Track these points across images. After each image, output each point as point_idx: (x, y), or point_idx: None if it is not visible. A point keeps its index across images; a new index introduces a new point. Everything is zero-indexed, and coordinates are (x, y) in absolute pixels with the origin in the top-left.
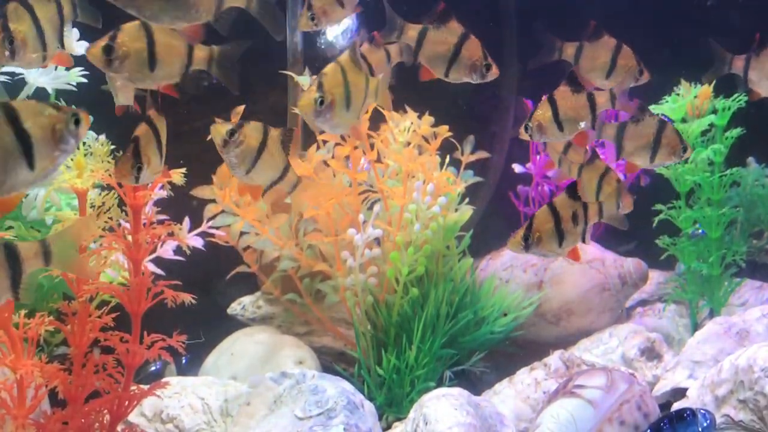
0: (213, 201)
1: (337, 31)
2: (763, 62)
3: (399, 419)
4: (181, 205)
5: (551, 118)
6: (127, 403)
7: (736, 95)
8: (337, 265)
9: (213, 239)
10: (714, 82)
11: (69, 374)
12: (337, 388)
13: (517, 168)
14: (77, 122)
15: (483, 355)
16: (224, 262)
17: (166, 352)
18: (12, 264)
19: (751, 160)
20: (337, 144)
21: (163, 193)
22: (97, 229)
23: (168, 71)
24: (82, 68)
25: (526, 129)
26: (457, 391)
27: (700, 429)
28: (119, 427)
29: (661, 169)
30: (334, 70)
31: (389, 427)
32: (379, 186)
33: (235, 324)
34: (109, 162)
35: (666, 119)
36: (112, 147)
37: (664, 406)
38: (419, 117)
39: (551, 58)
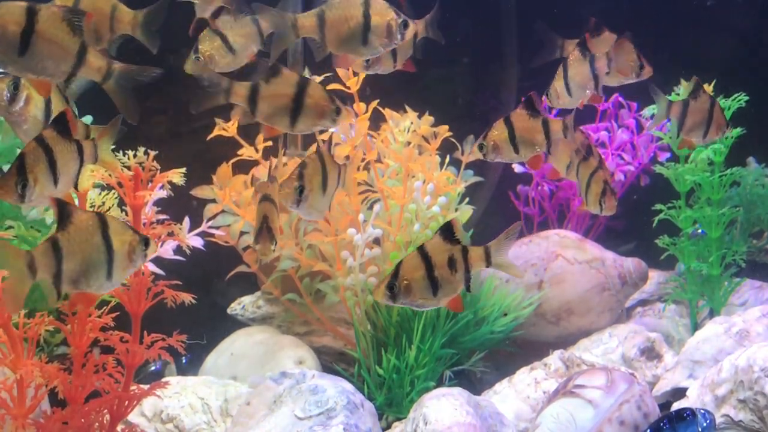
0: (213, 201)
1: None
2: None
3: (399, 419)
4: (181, 205)
5: (507, 139)
6: (127, 403)
7: (735, 95)
8: (337, 264)
9: (213, 239)
10: (714, 82)
11: (69, 374)
12: (336, 388)
13: (517, 168)
14: (147, 245)
15: (483, 354)
16: (224, 262)
17: (166, 352)
18: None
19: (751, 160)
20: (337, 144)
21: (163, 193)
22: None
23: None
24: None
25: (480, 148)
26: (457, 391)
27: (700, 429)
28: (119, 427)
29: (660, 168)
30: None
31: (389, 426)
32: (379, 186)
33: (235, 324)
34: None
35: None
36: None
37: (664, 406)
38: (419, 117)
39: (553, 56)
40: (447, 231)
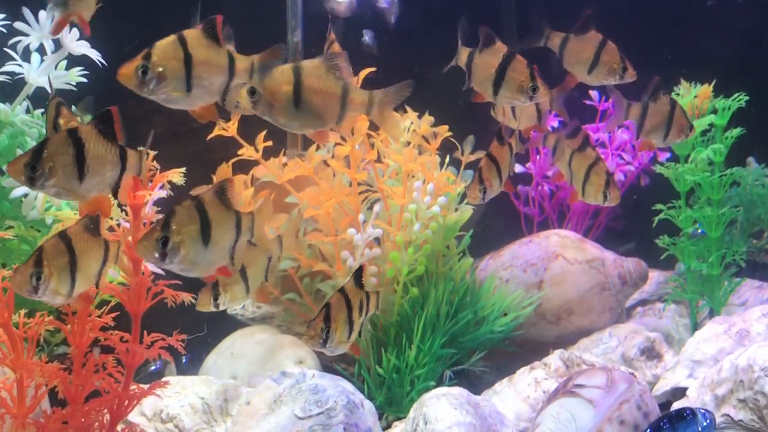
0: None
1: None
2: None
3: (399, 419)
4: None
5: (496, 174)
6: (127, 402)
7: (735, 95)
8: (337, 264)
9: None
10: (714, 81)
11: (69, 374)
12: (336, 388)
13: (517, 168)
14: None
15: (483, 354)
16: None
17: (166, 352)
18: None
19: (751, 160)
20: (337, 144)
21: (163, 193)
22: None
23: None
24: (82, 68)
25: (483, 193)
26: (457, 391)
27: (699, 428)
28: (119, 427)
29: (661, 168)
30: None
31: (389, 426)
32: (379, 186)
33: (235, 324)
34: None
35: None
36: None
37: (664, 405)
38: (419, 117)
39: (537, 44)
40: (359, 276)
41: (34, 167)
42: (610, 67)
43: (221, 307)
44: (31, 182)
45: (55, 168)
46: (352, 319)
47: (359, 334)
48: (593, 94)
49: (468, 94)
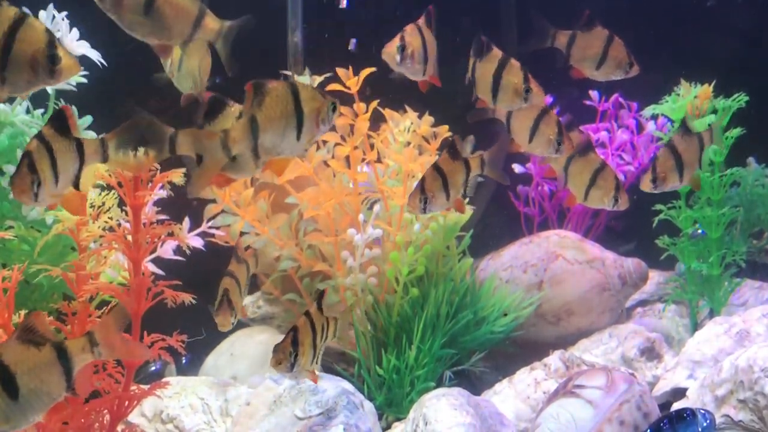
0: (213, 201)
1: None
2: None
3: (399, 419)
4: (181, 205)
5: (441, 187)
6: (127, 403)
7: (735, 95)
8: (337, 265)
9: (213, 239)
10: (714, 82)
11: None
12: (336, 388)
13: (517, 168)
14: (334, 109)
15: (483, 355)
16: (224, 262)
17: (166, 352)
18: None
19: (751, 160)
20: (337, 144)
21: (163, 193)
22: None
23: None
24: (82, 68)
25: (423, 202)
26: (457, 391)
27: (699, 429)
28: (119, 427)
29: None
30: None
31: (389, 427)
32: (379, 186)
33: (235, 324)
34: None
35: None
36: None
37: (664, 406)
38: (419, 117)
39: (543, 45)
40: (320, 301)
41: (39, 183)
42: (618, 62)
43: (234, 323)
44: (36, 198)
45: (45, 177)
46: (315, 343)
47: (316, 361)
48: (593, 94)
49: (467, 96)
